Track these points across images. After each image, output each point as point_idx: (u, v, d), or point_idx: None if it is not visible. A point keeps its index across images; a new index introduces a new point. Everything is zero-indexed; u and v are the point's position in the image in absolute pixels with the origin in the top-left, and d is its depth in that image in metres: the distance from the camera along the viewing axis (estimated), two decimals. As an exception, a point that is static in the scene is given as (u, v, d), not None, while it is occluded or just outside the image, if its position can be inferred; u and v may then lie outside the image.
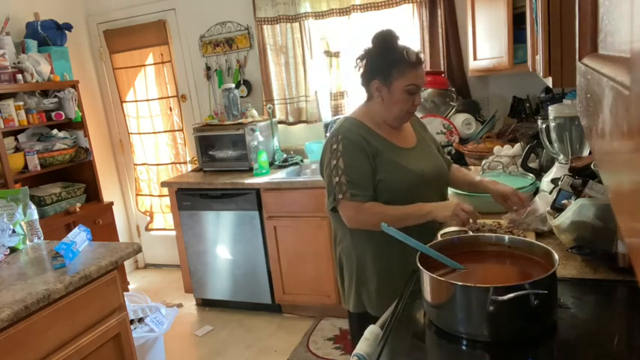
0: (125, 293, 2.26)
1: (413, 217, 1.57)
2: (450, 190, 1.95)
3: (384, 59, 1.62)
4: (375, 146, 1.64)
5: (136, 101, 4.32)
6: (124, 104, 4.37)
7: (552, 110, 1.83)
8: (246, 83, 3.86)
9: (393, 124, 1.69)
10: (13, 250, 2.08)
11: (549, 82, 1.15)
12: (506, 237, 1.23)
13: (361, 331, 1.20)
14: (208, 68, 3.95)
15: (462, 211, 1.49)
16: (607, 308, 1.16)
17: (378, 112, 1.69)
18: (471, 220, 1.51)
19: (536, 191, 1.89)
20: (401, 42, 1.64)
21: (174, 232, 3.73)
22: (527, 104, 3.05)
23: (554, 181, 1.76)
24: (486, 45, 2.74)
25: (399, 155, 1.66)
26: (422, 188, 1.63)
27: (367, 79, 1.67)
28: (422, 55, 1.65)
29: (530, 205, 1.61)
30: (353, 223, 1.63)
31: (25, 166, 3.39)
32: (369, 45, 1.66)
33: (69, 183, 3.82)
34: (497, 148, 2.47)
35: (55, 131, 3.65)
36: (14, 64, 3.35)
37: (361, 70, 1.68)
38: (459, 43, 3.25)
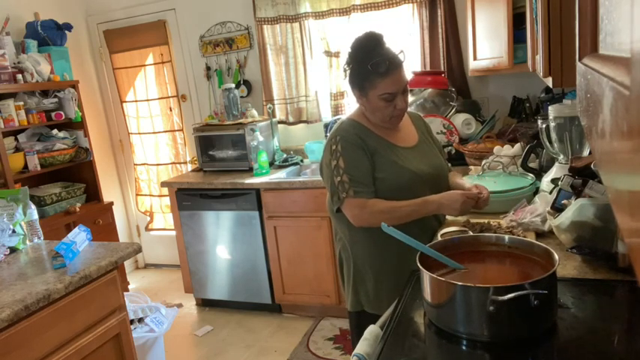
0: (125, 293, 2.26)
1: (420, 213, 1.58)
2: None
3: (356, 71, 1.62)
4: (373, 145, 1.64)
5: (136, 101, 4.32)
6: (124, 104, 4.37)
7: (552, 110, 1.83)
8: (246, 83, 3.86)
9: (384, 126, 1.69)
10: (13, 250, 2.08)
11: (549, 82, 1.14)
12: (506, 237, 1.23)
13: (359, 330, 1.20)
14: (208, 68, 3.95)
15: (470, 202, 1.55)
16: (607, 308, 1.16)
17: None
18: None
19: (536, 191, 1.89)
20: (381, 45, 1.60)
21: (174, 232, 3.73)
22: (527, 104, 3.05)
23: (554, 181, 1.76)
24: (486, 45, 2.74)
25: (397, 154, 1.66)
26: (420, 187, 1.62)
27: (350, 87, 1.69)
28: (402, 56, 1.61)
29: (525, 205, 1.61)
30: (359, 221, 1.61)
31: (25, 166, 3.39)
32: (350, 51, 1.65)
33: (69, 183, 3.82)
34: (497, 148, 2.47)
35: (55, 131, 3.65)
36: (14, 64, 3.35)
37: (347, 77, 1.68)
38: (459, 43, 3.25)
